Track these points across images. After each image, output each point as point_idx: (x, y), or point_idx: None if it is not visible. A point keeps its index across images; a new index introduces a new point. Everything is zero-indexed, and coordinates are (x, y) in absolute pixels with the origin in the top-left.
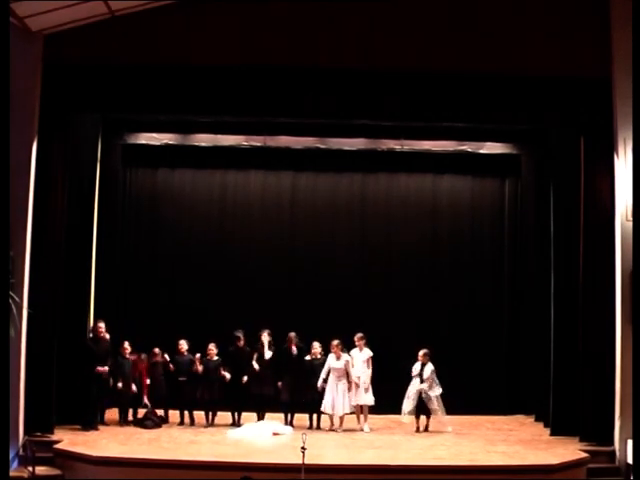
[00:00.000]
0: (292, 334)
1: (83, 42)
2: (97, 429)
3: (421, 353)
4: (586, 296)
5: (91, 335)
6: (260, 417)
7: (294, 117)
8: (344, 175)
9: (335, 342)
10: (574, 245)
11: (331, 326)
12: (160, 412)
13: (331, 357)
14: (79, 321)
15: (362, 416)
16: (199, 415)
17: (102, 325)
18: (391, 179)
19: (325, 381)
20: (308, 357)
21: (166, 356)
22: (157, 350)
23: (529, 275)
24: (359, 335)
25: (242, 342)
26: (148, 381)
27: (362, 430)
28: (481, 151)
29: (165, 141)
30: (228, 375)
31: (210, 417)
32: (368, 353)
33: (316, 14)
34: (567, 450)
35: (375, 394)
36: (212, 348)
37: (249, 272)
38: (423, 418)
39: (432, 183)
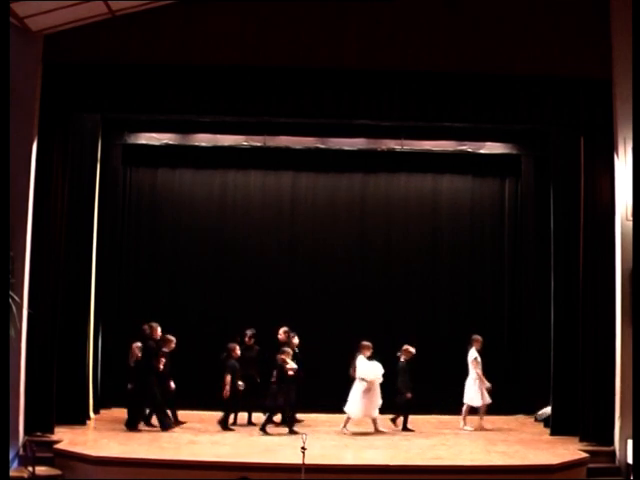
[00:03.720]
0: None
1: (83, 42)
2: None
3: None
4: (586, 296)
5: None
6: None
7: (294, 117)
8: (344, 175)
9: (479, 337)
10: (574, 245)
11: (330, 325)
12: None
13: (473, 351)
14: (79, 321)
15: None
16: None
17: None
18: (391, 179)
19: None
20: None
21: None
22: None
23: (529, 275)
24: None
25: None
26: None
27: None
28: (481, 151)
29: (165, 141)
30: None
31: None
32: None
33: (316, 14)
34: (567, 450)
35: None
36: (235, 347)
37: (249, 272)
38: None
39: (432, 183)
